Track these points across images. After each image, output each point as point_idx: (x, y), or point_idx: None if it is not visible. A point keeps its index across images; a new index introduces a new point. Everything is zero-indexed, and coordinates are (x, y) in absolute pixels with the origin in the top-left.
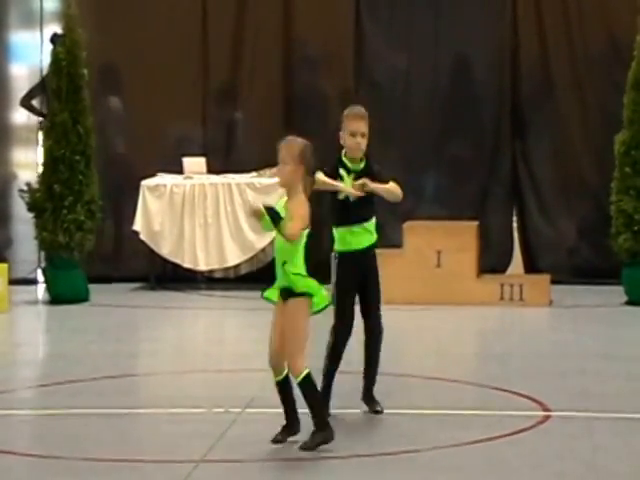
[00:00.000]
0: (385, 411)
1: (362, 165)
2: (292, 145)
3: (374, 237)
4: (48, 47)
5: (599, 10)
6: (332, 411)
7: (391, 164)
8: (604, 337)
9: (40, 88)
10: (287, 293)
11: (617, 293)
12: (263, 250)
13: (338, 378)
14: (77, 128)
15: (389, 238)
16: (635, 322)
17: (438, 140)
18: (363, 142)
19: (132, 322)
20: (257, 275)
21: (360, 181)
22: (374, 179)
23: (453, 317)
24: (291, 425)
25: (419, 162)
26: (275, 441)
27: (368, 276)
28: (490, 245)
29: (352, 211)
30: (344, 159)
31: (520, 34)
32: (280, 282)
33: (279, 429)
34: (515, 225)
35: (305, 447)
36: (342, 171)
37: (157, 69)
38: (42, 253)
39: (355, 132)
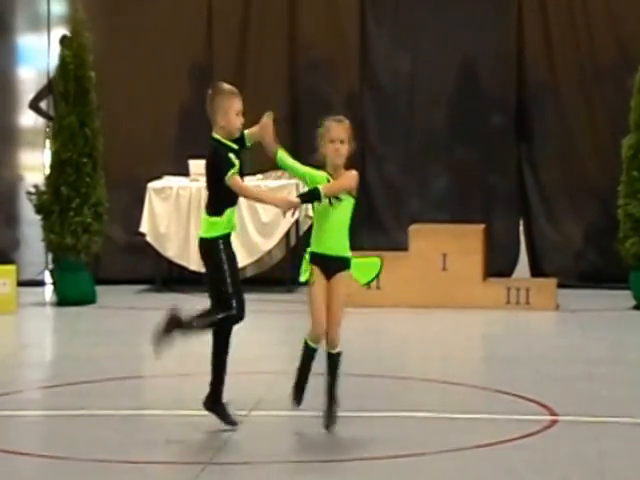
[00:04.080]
0: (390, 414)
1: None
2: (347, 124)
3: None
4: (56, 50)
5: (606, 12)
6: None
7: (396, 167)
8: (611, 342)
9: (47, 91)
10: (340, 265)
11: (624, 297)
12: (269, 253)
13: (342, 380)
14: (84, 131)
15: (395, 241)
16: None
17: (443, 143)
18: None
19: (139, 324)
20: (263, 277)
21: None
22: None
23: (459, 321)
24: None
25: (424, 165)
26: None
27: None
28: (496, 248)
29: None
30: (224, 140)
31: (526, 36)
32: (335, 252)
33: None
34: (521, 228)
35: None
36: (230, 155)
37: (163, 72)
38: (49, 255)
39: (240, 110)
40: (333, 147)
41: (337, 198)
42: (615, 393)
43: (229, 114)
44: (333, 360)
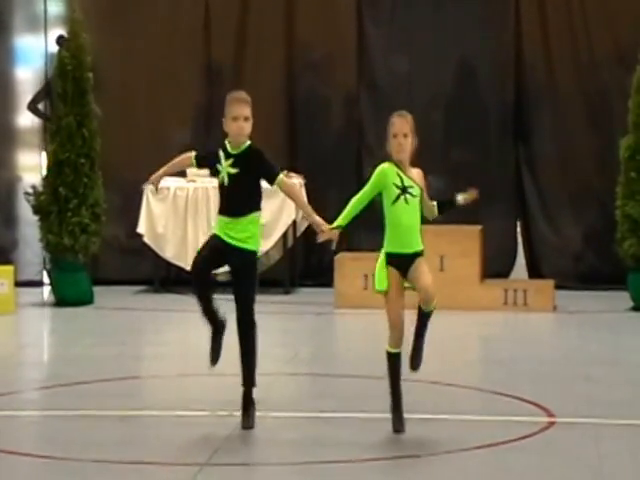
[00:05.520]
0: (388, 416)
1: (243, 148)
2: (410, 117)
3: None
4: (53, 51)
5: (603, 13)
6: (336, 414)
7: None
8: (609, 343)
9: (44, 92)
10: (416, 255)
11: (622, 299)
12: (266, 254)
13: (341, 381)
14: (82, 131)
15: None
16: None
17: (441, 144)
18: (246, 126)
19: (136, 325)
20: (260, 279)
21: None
22: (253, 163)
23: (456, 322)
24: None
25: (421, 166)
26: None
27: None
28: (494, 250)
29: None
30: (226, 143)
31: (524, 37)
32: (412, 248)
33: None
34: (519, 230)
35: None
36: (221, 153)
37: (160, 72)
38: (47, 255)
39: (238, 116)
40: (396, 142)
41: (411, 194)
42: (613, 394)
43: (227, 120)
44: (423, 318)
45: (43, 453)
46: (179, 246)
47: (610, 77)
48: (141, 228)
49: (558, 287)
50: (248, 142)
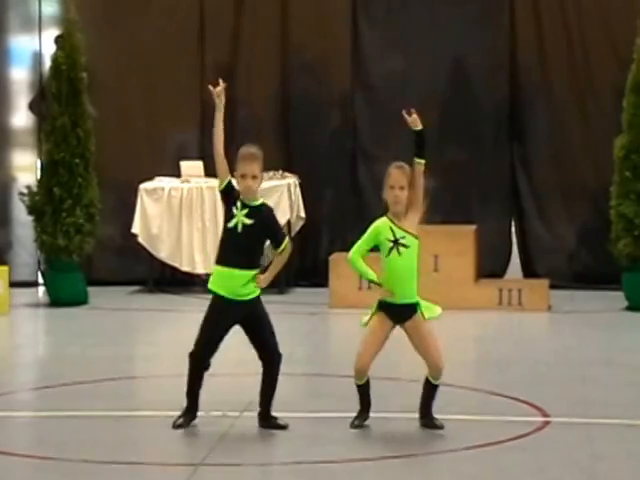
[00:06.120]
0: (383, 415)
1: (257, 203)
2: (407, 169)
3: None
4: (47, 51)
5: (598, 12)
6: (331, 414)
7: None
8: (604, 343)
9: (40, 96)
10: (411, 310)
11: (617, 298)
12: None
13: (335, 381)
14: (76, 131)
15: None
16: (635, 328)
17: (436, 144)
18: (254, 185)
19: (130, 325)
20: None
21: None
22: (266, 220)
23: (451, 322)
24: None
25: None
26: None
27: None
28: (488, 250)
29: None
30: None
31: (518, 37)
32: (405, 299)
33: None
34: (513, 229)
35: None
36: (238, 203)
37: (155, 73)
38: (42, 256)
39: (246, 174)
40: (393, 194)
41: (404, 245)
42: (607, 394)
43: (237, 176)
44: (433, 389)
45: (37, 454)
46: (173, 246)
47: (604, 76)
48: (135, 228)
49: (553, 287)
50: (261, 199)
